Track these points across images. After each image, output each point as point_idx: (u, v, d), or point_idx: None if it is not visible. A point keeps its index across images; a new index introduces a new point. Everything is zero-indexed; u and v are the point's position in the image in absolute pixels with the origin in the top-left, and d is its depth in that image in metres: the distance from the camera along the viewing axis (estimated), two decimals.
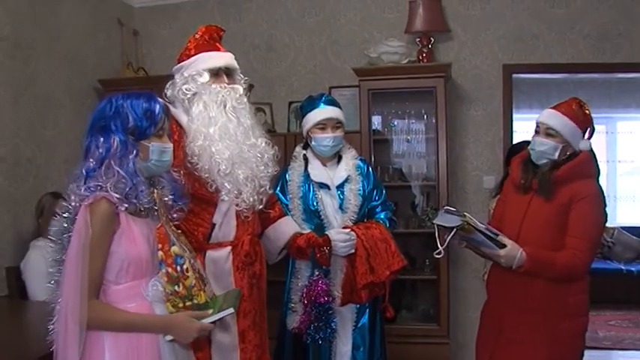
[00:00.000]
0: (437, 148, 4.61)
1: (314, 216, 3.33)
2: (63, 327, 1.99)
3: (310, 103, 3.44)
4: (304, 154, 3.44)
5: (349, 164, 3.41)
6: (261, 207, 2.89)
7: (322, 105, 3.39)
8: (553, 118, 2.85)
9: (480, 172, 4.97)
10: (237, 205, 2.78)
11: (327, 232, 3.23)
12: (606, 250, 8.01)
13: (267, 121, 5.05)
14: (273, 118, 5.16)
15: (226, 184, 2.72)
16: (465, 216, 2.72)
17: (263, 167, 2.84)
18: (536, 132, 2.90)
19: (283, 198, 3.38)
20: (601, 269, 7.52)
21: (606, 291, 7.39)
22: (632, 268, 7.82)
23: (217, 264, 2.82)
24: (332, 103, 3.44)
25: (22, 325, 3.33)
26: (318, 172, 3.38)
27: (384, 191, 3.49)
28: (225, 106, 2.78)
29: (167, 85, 2.87)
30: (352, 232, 3.22)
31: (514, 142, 4.99)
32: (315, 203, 3.33)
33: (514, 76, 4.99)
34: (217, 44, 2.93)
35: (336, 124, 3.37)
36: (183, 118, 2.79)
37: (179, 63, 2.89)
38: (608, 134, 8.44)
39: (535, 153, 2.88)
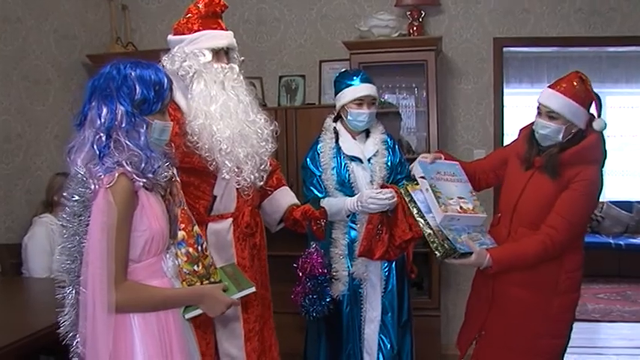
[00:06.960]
0: (427, 122, 4.61)
1: (347, 187, 3.41)
2: (91, 313, 1.92)
3: (347, 79, 3.51)
4: (334, 127, 3.53)
5: (377, 139, 3.51)
6: (261, 184, 2.91)
7: (360, 82, 3.47)
8: (553, 99, 2.77)
9: (470, 145, 4.98)
10: (237, 183, 2.80)
11: (363, 191, 3.30)
12: (595, 224, 8.19)
13: (257, 96, 5.04)
14: (263, 93, 5.14)
15: (227, 162, 2.73)
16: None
17: (264, 143, 2.85)
18: (539, 113, 2.85)
19: (315, 169, 3.47)
20: (590, 243, 7.57)
21: (595, 264, 7.48)
22: (621, 242, 7.93)
23: (219, 236, 2.85)
24: (368, 80, 3.51)
25: (17, 300, 3.34)
26: (349, 145, 3.48)
27: (407, 166, 3.57)
28: (223, 85, 2.79)
29: (164, 57, 2.83)
30: (391, 190, 3.26)
31: (504, 116, 5.01)
32: (347, 175, 3.42)
33: (504, 50, 4.98)
34: (219, 21, 2.90)
35: (371, 100, 3.47)
36: (176, 93, 2.75)
37: (177, 34, 2.86)
38: None
39: (539, 135, 2.84)
